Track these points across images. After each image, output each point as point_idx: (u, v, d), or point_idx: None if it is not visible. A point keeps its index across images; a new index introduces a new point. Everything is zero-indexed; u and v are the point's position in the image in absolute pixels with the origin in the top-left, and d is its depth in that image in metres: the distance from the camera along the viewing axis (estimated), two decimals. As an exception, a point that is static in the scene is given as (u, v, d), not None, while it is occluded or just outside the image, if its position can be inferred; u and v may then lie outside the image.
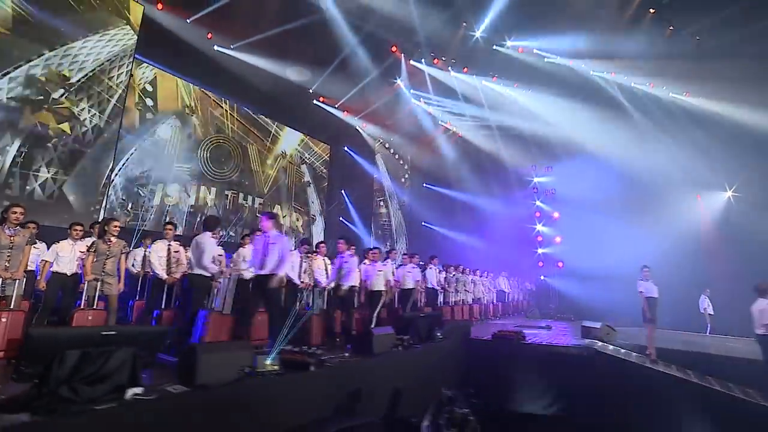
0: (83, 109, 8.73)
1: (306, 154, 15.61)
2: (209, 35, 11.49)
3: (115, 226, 5.00)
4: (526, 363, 5.72)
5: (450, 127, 17.21)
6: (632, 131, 14.58)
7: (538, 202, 16.77)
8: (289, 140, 14.94)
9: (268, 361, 3.50)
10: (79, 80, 8.64)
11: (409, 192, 18.67)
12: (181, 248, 5.88)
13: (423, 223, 18.29)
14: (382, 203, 17.53)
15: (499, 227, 16.34)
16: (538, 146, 16.32)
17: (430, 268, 8.66)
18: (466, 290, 9.58)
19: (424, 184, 18.83)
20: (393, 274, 7.34)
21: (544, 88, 14.31)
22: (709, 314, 9.67)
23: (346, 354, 4.64)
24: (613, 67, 14.33)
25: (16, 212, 4.35)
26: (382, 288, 6.64)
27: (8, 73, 7.59)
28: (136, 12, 9.88)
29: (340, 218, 16.21)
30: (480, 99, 15.19)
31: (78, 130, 8.62)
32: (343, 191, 16.43)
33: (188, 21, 10.83)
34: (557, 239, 16.07)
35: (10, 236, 4.31)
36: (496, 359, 5.90)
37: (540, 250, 16.26)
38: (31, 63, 7.92)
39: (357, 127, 16.57)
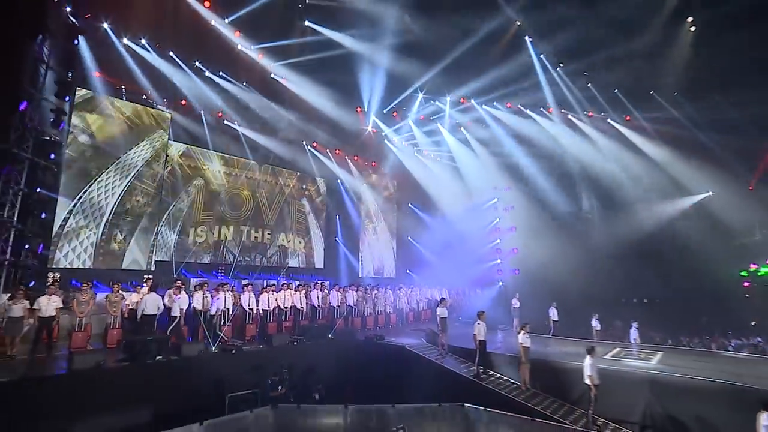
0: (140, 192, 13.91)
1: (305, 189, 20.14)
2: (219, 114, 16.34)
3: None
4: (372, 355, 9.77)
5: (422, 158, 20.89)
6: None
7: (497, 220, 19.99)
8: (290, 179, 19.53)
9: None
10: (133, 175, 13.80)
11: (396, 212, 22.61)
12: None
13: (408, 238, 22.20)
14: (369, 225, 21.67)
15: (466, 240, 19.81)
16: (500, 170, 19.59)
17: (349, 291, 12.81)
18: (385, 304, 13.57)
19: (410, 204, 22.62)
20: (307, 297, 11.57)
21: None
22: (554, 320, 12.67)
23: (261, 345, 9.02)
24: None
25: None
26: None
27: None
28: (167, 117, 14.91)
29: (336, 239, 20.63)
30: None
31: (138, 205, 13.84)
32: (337, 216, 20.80)
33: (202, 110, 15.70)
34: (514, 251, 19.23)
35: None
36: (360, 351, 10.00)
37: (498, 261, 19.54)
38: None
39: (348, 160, 20.89)
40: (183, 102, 15.08)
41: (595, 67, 15.90)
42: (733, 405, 6.28)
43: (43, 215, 7.68)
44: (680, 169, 18.56)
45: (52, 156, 8.07)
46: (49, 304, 7.84)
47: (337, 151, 20.21)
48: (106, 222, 13.10)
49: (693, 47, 14.28)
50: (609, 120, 18.37)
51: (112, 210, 13.20)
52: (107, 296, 8.93)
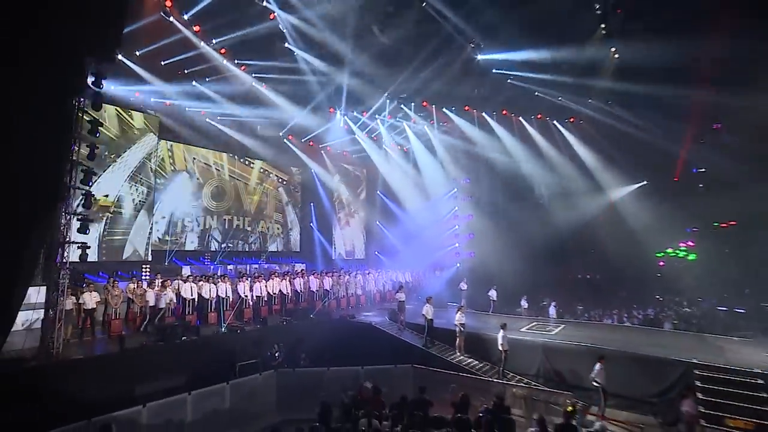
0: (135, 190, 15.88)
1: (282, 179, 22.39)
2: (202, 112, 18.18)
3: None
4: (345, 330, 12.79)
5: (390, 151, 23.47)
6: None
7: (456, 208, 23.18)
8: (268, 171, 21.70)
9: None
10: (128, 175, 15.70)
11: (366, 199, 25.32)
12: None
13: (377, 222, 25.09)
14: (341, 211, 24.35)
15: (427, 227, 22.92)
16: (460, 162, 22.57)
17: (325, 277, 15.67)
18: (356, 286, 16.60)
19: (378, 192, 25.34)
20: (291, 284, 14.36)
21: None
22: (493, 300, 16.17)
23: (258, 326, 11.80)
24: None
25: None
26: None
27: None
28: (156, 120, 16.67)
29: (310, 224, 23.20)
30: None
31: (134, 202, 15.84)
32: (311, 204, 23.29)
33: (186, 109, 17.47)
34: (469, 236, 22.56)
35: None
36: (336, 327, 12.98)
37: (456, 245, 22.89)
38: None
39: (321, 152, 23.20)
40: (168, 103, 16.86)
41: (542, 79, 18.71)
42: (588, 359, 9.64)
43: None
44: (613, 164, 22.16)
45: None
46: (91, 299, 10.22)
47: (310, 143, 22.46)
48: (107, 218, 15.13)
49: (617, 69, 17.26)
50: (554, 122, 21.50)
51: (112, 206, 15.22)
52: (131, 289, 11.31)
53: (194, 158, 18.51)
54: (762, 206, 20.19)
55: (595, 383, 9.14)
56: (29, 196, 7.48)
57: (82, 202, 9.59)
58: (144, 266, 15.96)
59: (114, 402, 7.51)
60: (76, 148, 9.49)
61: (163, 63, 14.71)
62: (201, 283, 12.19)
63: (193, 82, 16.01)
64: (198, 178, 18.63)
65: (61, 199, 8.92)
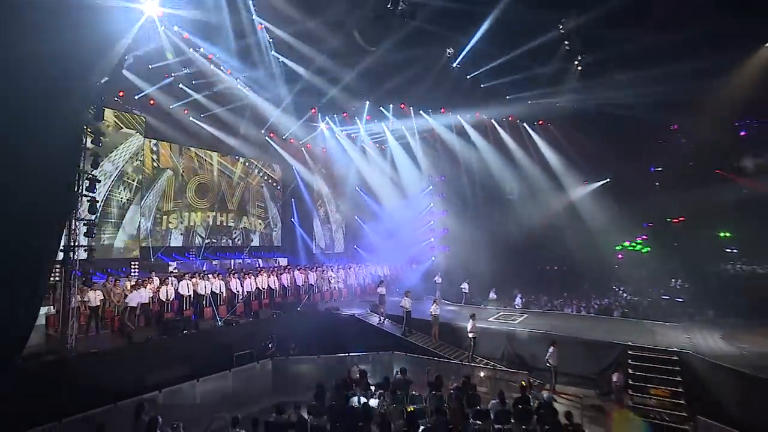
0: (122, 189, 16.60)
1: (264, 176, 23.34)
2: (185, 111, 18.91)
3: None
4: (331, 322, 14.24)
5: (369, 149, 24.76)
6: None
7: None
8: (250, 167, 22.62)
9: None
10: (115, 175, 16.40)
11: (345, 195, 26.59)
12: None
13: (356, 218, 26.45)
14: (321, 207, 25.57)
15: (404, 223, 24.47)
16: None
17: (309, 272, 17.01)
18: (338, 280, 18.04)
19: (357, 188, 26.61)
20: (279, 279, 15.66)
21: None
22: (465, 293, 18.00)
23: (251, 319, 13.06)
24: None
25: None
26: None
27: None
28: (141, 120, 17.34)
29: (292, 220, 24.31)
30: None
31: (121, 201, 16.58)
32: (292, 200, 24.37)
33: (171, 108, 18.16)
34: (444, 231, 24.27)
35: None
36: (322, 319, 14.39)
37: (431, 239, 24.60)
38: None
39: (302, 149, 24.25)
40: (152, 102, 17.53)
41: (514, 84, 20.37)
42: (545, 344, 11.41)
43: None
44: (577, 163, 24.25)
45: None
46: (95, 297, 11.21)
47: (291, 141, 23.46)
48: (97, 216, 15.86)
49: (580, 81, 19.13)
50: (524, 124, 23.31)
51: (101, 205, 15.93)
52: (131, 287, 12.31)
53: (178, 156, 19.28)
54: (707, 204, 22.84)
55: (548, 364, 10.94)
56: (51, 201, 8.55)
57: (88, 207, 10.52)
58: (132, 263, 16.80)
59: (131, 389, 8.71)
60: (82, 158, 10.39)
61: (150, 67, 15.43)
62: (195, 280, 13.29)
63: (180, 85, 16.78)
64: (182, 176, 19.41)
65: (73, 206, 9.88)
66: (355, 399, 8.68)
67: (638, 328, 13.03)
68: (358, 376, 9.84)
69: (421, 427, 7.42)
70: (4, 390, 7.31)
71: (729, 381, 8.77)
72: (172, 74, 16.27)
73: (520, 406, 8.39)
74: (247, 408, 9.47)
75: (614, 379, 9.75)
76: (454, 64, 18.34)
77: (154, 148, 18.34)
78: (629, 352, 10.54)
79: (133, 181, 17.11)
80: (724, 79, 18.76)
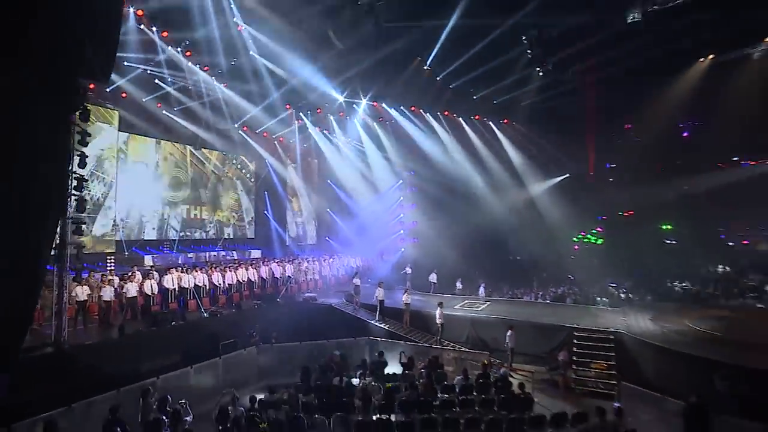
0: (95, 184, 16.90)
1: (237, 169, 23.91)
2: (159, 104, 19.25)
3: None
4: (309, 311, 15.43)
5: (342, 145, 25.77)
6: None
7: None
8: (223, 161, 23.14)
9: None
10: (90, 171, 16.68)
11: (317, 188, 27.55)
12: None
13: (327, 210, 27.51)
14: (294, 199, 26.43)
15: (375, 216, 25.78)
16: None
17: (287, 264, 18.08)
18: (314, 272, 19.21)
19: (328, 181, 27.61)
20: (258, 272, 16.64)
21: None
22: (433, 283, 19.68)
23: (233, 310, 14.04)
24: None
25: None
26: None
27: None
28: (115, 114, 17.60)
29: (265, 212, 25.05)
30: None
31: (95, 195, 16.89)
32: (265, 192, 25.08)
33: (143, 101, 18.46)
34: (414, 223, 25.78)
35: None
36: (301, 309, 15.55)
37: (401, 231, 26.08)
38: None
39: (275, 143, 24.93)
40: (124, 95, 17.80)
41: (479, 85, 21.91)
42: (504, 328, 13.05)
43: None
44: (538, 160, 26.26)
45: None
46: (83, 291, 11.85)
47: (264, 134, 24.13)
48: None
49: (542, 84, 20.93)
50: (490, 123, 25.00)
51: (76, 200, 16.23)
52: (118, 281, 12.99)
53: (151, 150, 19.64)
54: (653, 200, 25.48)
55: (506, 346, 12.62)
56: (44, 203, 9.26)
57: (76, 206, 11.12)
58: (108, 257, 17.22)
59: (128, 377, 9.61)
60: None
61: (126, 64, 15.77)
62: (179, 273, 14.08)
63: (156, 80, 17.17)
64: (156, 169, 19.80)
65: (64, 206, 10.48)
66: (338, 379, 9.98)
67: (585, 313, 14.99)
68: (338, 358, 11.13)
69: (397, 400, 8.81)
70: (12, 381, 8.08)
71: (649, 354, 10.72)
72: (147, 69, 16.65)
73: (481, 381, 9.95)
74: (238, 391, 10.56)
75: (560, 356, 11.54)
76: (425, 67, 19.64)
77: (128, 142, 18.64)
78: (575, 333, 12.35)
79: (108, 175, 17.45)
80: (668, 86, 21.18)
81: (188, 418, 7.45)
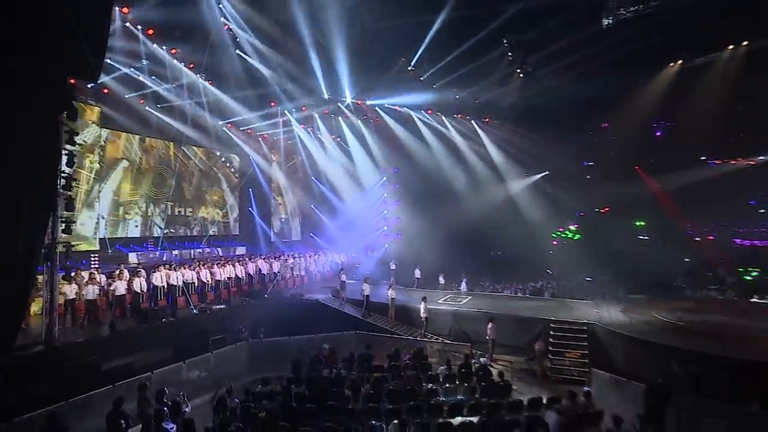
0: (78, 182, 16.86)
1: (221, 165, 24.01)
2: (141, 100, 19.24)
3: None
4: (296, 307, 15.87)
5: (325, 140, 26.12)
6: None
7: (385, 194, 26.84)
8: (207, 157, 23.21)
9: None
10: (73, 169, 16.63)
11: (301, 184, 27.84)
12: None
13: (312, 206, 27.85)
14: (278, 196, 26.69)
15: (360, 212, 26.27)
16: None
17: (273, 261, 18.44)
18: (300, 268, 19.63)
19: (312, 177, 27.93)
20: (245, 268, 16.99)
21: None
22: (417, 278, 20.38)
23: (223, 306, 14.38)
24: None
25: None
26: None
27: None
28: (96, 110, 17.55)
29: (249, 209, 25.24)
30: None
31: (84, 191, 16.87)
32: (250, 189, 25.26)
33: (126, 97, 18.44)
34: (397, 219, 26.39)
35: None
36: (288, 304, 15.98)
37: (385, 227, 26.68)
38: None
39: (259, 139, 25.11)
40: (105, 91, 17.77)
41: (462, 85, 22.58)
42: (485, 321, 13.79)
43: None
44: (518, 158, 27.13)
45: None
46: (71, 290, 12.02)
47: (248, 131, 24.30)
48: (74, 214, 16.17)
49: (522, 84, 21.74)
50: (472, 121, 25.73)
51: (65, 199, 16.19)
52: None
53: (134, 147, 19.64)
54: (627, 196, 26.70)
55: (487, 338, 13.35)
56: (39, 202, 9.45)
57: (65, 205, 11.27)
58: (92, 255, 17.27)
59: (122, 372, 9.92)
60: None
61: (109, 62, 15.76)
62: (167, 271, 14.31)
63: (140, 77, 17.19)
64: (139, 166, 19.80)
65: (54, 205, 10.63)
66: (327, 371, 10.51)
67: (561, 306, 15.85)
68: (327, 352, 11.64)
69: (385, 390, 9.39)
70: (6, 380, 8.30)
71: (619, 343, 11.61)
72: (131, 66, 16.67)
73: (463, 370, 10.61)
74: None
75: (537, 347, 12.33)
76: (410, 67, 20.17)
77: (110, 139, 18.60)
78: (551, 325, 13.15)
79: (90, 172, 17.44)
80: (642, 87, 22.27)
81: (187, 409, 7.85)
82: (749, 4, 15.09)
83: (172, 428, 6.91)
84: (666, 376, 8.41)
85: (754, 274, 20.04)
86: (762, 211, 24.91)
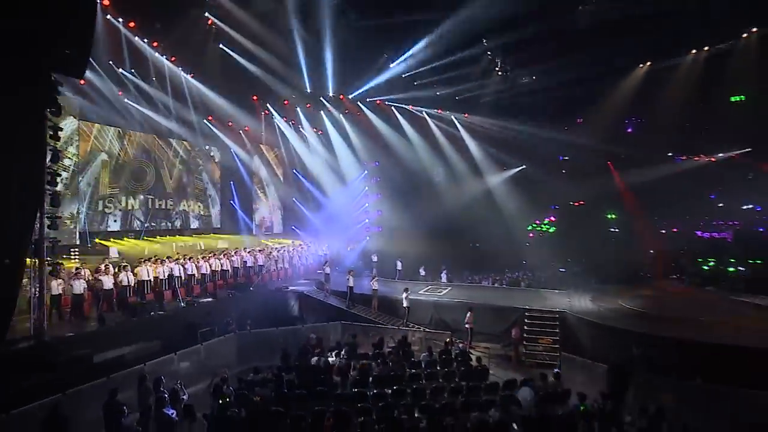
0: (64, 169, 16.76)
1: (202, 158, 24.03)
2: (120, 92, 19.14)
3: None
4: (282, 298, 16.37)
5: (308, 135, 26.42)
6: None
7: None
8: (188, 150, 23.20)
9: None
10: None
11: (283, 177, 28.09)
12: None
13: (293, 199, 28.17)
14: (260, 189, 26.89)
15: (341, 204, 26.77)
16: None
17: (258, 254, 18.83)
18: (284, 260, 20.08)
19: (294, 170, 28.20)
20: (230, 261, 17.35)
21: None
22: (399, 270, 21.17)
23: (210, 299, 14.73)
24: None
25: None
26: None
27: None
28: (74, 102, 17.40)
29: (231, 202, 25.39)
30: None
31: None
32: (231, 182, 25.37)
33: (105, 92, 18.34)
34: (378, 212, 27.04)
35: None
36: (274, 296, 16.46)
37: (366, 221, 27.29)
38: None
39: (240, 132, 25.20)
40: (82, 82, 17.62)
41: (443, 82, 23.26)
42: (463, 310, 14.61)
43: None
44: (496, 153, 28.06)
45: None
46: (57, 285, 12.18)
47: (229, 123, 24.37)
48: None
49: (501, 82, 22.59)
50: (452, 116, 26.47)
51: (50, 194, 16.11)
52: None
53: (113, 140, 19.56)
54: (602, 191, 27.99)
55: (466, 326, 14.18)
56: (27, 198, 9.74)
57: (50, 201, 11.39)
58: (72, 250, 17.25)
59: (114, 364, 10.26)
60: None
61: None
62: (154, 265, 14.55)
63: (120, 70, 17.14)
64: (118, 160, 19.74)
65: (41, 200, 10.78)
66: (315, 359, 11.09)
67: (536, 296, 16.86)
68: (315, 341, 12.23)
69: (371, 376, 10.05)
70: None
71: (586, 329, 12.64)
72: (111, 59, 16.62)
73: (443, 357, 11.38)
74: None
75: (513, 334, 13.25)
76: (392, 65, 20.70)
77: (89, 132, 18.49)
78: (526, 314, 14.09)
79: (69, 166, 17.34)
80: (615, 86, 23.44)
81: (184, 397, 8.33)
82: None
83: (172, 413, 7.39)
84: (626, 358, 9.35)
85: (711, 264, 21.56)
86: (720, 205, 26.61)
